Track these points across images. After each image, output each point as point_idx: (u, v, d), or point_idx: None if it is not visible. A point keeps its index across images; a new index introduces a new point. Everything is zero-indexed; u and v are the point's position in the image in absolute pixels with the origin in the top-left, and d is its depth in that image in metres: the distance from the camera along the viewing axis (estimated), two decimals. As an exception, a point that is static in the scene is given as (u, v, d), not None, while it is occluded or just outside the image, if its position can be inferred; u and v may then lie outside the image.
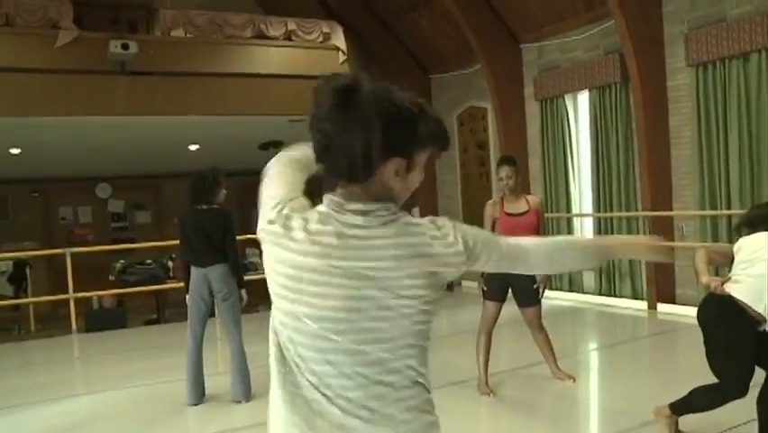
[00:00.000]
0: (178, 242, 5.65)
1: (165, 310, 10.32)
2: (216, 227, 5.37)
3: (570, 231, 9.67)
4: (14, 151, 11.00)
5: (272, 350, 1.53)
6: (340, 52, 10.78)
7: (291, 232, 1.45)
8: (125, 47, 9.06)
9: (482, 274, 5.14)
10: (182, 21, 9.93)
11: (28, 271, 10.27)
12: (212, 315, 5.54)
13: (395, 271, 1.40)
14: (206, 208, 5.43)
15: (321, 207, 1.49)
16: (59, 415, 5.40)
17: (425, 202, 12.19)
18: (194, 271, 5.42)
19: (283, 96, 10.52)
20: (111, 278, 10.22)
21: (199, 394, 5.41)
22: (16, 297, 10.13)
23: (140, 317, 10.38)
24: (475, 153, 11.47)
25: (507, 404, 4.92)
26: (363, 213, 1.44)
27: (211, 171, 5.53)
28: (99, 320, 9.54)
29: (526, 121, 10.35)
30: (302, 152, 1.71)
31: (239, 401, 5.32)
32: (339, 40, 10.76)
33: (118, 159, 11.97)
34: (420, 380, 1.51)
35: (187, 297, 5.49)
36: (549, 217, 9.65)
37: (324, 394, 1.44)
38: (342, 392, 1.43)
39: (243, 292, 5.51)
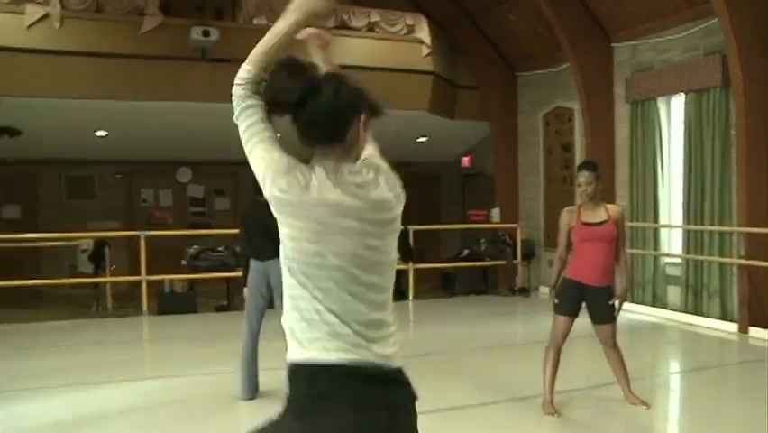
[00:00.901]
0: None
1: (235, 297, 10.35)
2: (276, 221, 5.21)
3: (656, 243, 9.07)
4: (101, 133, 11.28)
5: (291, 284, 1.87)
6: (423, 45, 10.53)
7: (307, 188, 1.81)
8: (206, 34, 9.10)
9: (554, 286, 4.80)
10: (264, 9, 9.90)
11: (107, 250, 10.49)
12: (271, 306, 5.42)
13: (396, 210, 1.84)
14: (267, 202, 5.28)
15: (319, 165, 1.83)
16: (119, 397, 5.41)
17: (507, 203, 11.81)
18: (253, 264, 5.32)
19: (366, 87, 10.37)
20: (183, 262, 10.35)
21: (252, 389, 5.30)
22: (95, 275, 10.37)
23: (210, 303, 10.47)
24: (560, 156, 10.99)
25: (571, 427, 4.56)
26: (357, 172, 1.83)
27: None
28: (170, 303, 9.67)
29: (615, 124, 9.81)
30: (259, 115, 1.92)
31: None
32: (423, 32, 10.50)
33: (199, 144, 12.10)
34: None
35: (245, 290, 5.40)
36: (634, 227, 9.12)
37: (339, 317, 1.77)
38: (357, 316, 1.77)
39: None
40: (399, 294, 10.71)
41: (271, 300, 5.33)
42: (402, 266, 10.37)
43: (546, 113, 11.17)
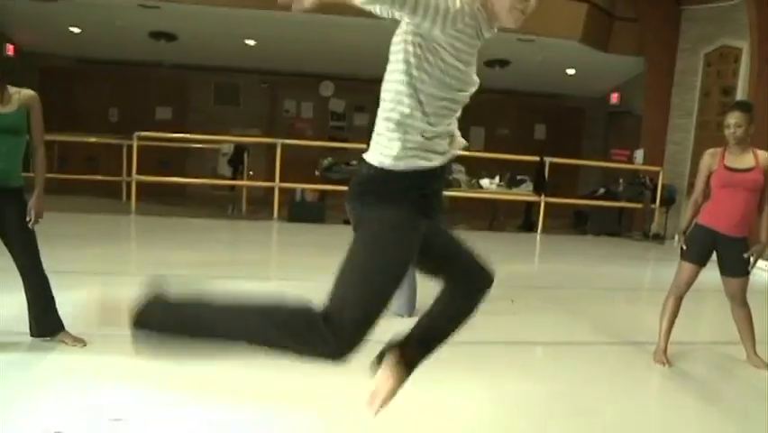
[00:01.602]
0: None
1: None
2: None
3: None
4: (250, 42, 11.62)
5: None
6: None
7: None
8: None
9: (684, 231, 4.48)
10: None
11: (246, 156, 10.97)
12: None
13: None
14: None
15: None
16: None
17: (652, 145, 11.12)
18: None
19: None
20: (316, 173, 10.62)
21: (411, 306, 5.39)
22: (233, 178, 10.91)
23: (339, 215, 10.74)
24: (718, 100, 10.14)
25: (681, 380, 4.30)
26: None
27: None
28: (300, 211, 10.01)
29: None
30: None
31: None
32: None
33: (343, 59, 12.20)
34: None
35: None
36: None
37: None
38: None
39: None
40: (528, 226, 10.50)
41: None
42: (533, 198, 10.12)
43: (709, 52, 10.25)
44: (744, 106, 4.28)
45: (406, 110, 1.93)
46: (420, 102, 1.92)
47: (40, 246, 3.97)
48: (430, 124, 1.95)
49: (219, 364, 2.74)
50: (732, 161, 4.24)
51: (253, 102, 13.72)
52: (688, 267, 4.39)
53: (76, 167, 11.43)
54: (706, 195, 4.39)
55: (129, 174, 9.88)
